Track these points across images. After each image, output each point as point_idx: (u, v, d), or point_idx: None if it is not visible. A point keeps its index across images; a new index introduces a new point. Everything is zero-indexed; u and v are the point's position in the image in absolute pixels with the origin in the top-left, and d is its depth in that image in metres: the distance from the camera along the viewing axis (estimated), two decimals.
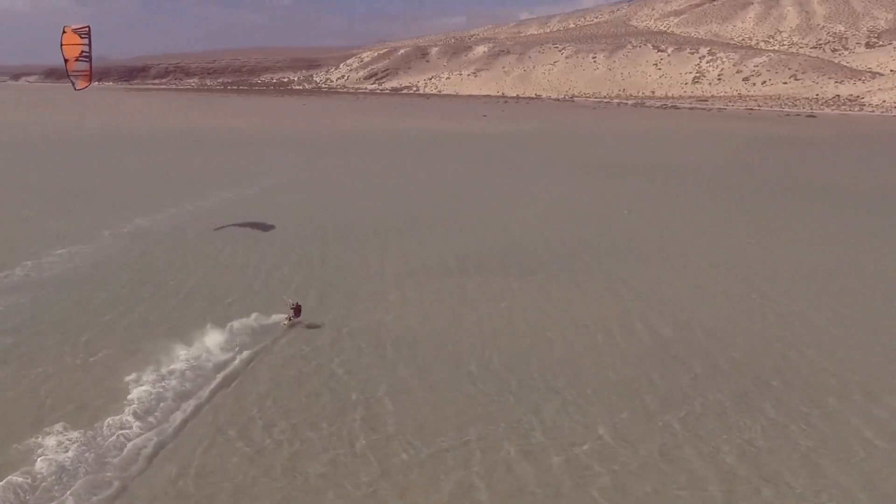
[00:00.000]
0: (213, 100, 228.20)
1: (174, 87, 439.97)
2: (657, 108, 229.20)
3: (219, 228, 30.53)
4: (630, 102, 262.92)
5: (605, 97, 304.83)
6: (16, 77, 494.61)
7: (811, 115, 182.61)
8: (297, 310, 20.82)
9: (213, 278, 25.19)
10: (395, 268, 26.86)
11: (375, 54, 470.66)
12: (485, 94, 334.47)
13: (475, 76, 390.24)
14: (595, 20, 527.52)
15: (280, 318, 20.58)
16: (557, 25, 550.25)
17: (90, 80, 23.58)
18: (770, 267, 28.29)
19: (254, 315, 20.70)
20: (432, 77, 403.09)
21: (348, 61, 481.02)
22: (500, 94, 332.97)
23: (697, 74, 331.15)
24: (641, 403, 15.88)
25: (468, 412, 15.41)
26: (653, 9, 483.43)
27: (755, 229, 35.73)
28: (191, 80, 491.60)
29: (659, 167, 62.34)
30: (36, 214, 35.63)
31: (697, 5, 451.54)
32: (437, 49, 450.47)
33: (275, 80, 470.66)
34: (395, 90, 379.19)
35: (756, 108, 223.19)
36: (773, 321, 21.87)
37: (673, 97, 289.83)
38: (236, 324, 20.05)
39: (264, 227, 30.70)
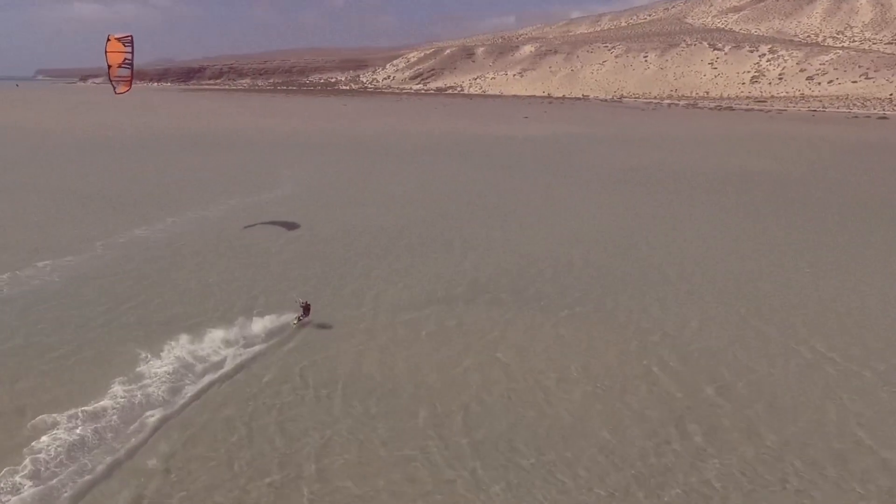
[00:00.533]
0: (257, 100, 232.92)
1: (226, 87, 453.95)
2: (711, 109, 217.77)
3: (249, 226, 31.22)
4: (682, 103, 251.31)
5: (655, 98, 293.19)
6: (84, 79, 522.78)
7: (883, 117, 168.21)
8: (307, 309, 20.78)
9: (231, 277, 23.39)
10: (391, 298, 24.04)
11: (422, 54, 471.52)
12: (530, 94, 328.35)
13: (521, 76, 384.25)
14: (648, 18, 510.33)
15: (291, 317, 20.54)
16: (608, 24, 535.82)
17: (130, 86, 24.87)
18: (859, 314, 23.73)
19: (267, 316, 20.54)
20: (477, 77, 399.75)
21: (395, 62, 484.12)
22: (545, 94, 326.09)
23: (756, 74, 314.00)
24: None
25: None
26: (710, 5, 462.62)
27: (822, 255, 30.91)
28: (243, 81, 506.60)
29: (702, 174, 57.14)
30: (45, 220, 34.93)
31: (759, 0, 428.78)
32: (483, 49, 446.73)
33: (322, 81, 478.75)
34: (439, 90, 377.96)
35: (820, 109, 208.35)
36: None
37: (729, 98, 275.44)
38: (247, 323, 19.97)
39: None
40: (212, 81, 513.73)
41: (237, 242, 30.46)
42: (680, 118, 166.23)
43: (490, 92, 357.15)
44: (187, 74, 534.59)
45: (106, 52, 23.66)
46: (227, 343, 18.75)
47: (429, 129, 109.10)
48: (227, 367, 17.48)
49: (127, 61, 24.51)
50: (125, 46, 24.35)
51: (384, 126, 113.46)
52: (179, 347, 18.17)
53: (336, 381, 16.90)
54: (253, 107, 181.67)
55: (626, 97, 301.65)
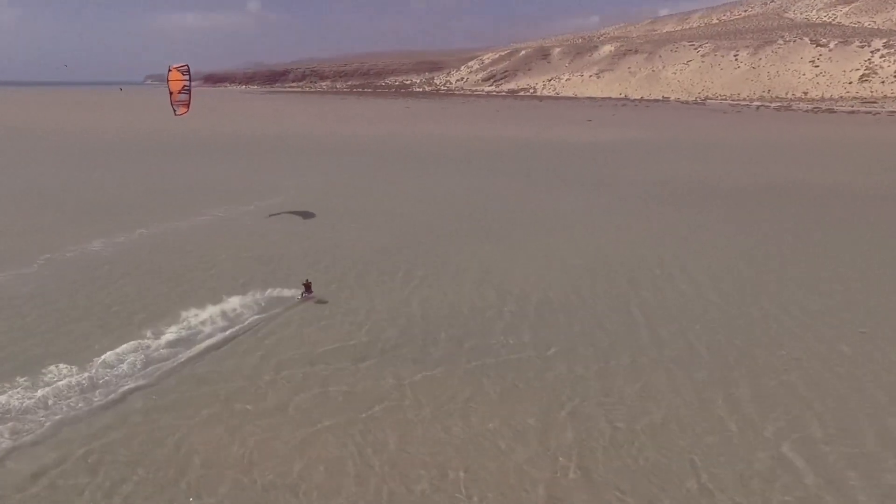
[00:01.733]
0: (327, 102, 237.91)
1: (307, 90, 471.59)
2: (807, 111, 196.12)
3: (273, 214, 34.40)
4: (773, 105, 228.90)
5: (744, 99, 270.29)
6: None
7: None
8: (308, 286, 23.26)
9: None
10: (292, 344, 20.01)
11: (496, 56, 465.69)
12: (605, 96, 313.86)
13: (597, 77, 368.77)
14: (743, 13, 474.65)
15: (296, 293, 23.23)
16: (698, 21, 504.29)
17: (188, 108, 28.56)
18: None
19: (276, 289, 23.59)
20: (551, 78, 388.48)
21: (469, 63, 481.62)
22: (622, 96, 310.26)
23: (867, 71, 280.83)
24: None
25: None
26: None
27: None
28: (323, 83, 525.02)
29: (768, 188, 48.42)
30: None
31: None
32: (559, 50, 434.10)
33: (397, 83, 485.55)
34: (511, 92, 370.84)
35: None
36: None
37: (831, 98, 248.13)
38: (258, 295, 23.04)
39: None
40: (294, 84, 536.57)
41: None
42: (767, 121, 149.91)
43: (563, 94, 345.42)
44: (272, 77, 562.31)
45: (168, 80, 27.70)
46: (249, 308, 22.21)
47: (479, 133, 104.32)
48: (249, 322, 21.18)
49: (185, 87, 28.39)
50: (183, 75, 28.28)
51: (433, 130, 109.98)
52: (210, 311, 21.44)
53: None
54: (316, 109, 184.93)
55: (710, 99, 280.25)
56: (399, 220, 37.39)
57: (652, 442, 14.51)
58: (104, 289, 24.23)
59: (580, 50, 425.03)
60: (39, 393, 15.84)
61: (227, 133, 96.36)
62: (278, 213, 36.10)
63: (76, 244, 30.09)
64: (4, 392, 15.82)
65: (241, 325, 20.93)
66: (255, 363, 18.17)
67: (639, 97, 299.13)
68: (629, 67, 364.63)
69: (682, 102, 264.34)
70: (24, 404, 15.40)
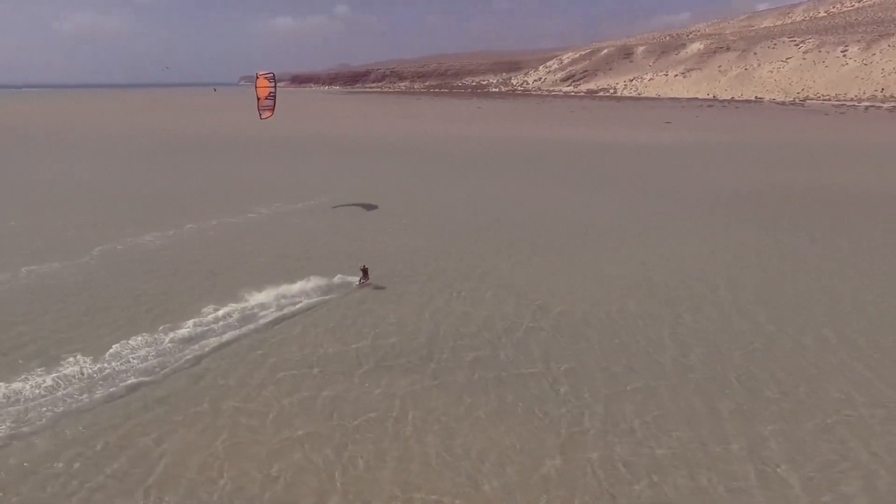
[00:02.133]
0: (402, 102, 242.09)
1: (385, 90, 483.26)
2: None
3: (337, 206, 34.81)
4: (885, 106, 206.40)
5: (851, 99, 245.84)
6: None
7: None
8: (365, 272, 24.82)
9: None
10: (292, 350, 19.98)
11: (576, 55, 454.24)
12: (691, 96, 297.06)
13: (683, 76, 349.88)
14: (856, 4, 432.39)
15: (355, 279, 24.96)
16: (802, 15, 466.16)
17: (273, 113, 30.22)
18: None
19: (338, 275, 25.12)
20: (633, 78, 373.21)
21: (548, 63, 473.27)
22: (710, 96, 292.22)
23: None
24: None
25: None
26: None
27: None
28: (402, 84, 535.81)
29: (875, 200, 43.08)
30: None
31: None
32: (643, 48, 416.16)
33: (474, 83, 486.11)
34: (590, 92, 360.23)
35: None
36: None
37: None
38: (322, 279, 24.54)
39: None
40: (374, 84, 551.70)
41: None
42: (876, 124, 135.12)
43: (646, 94, 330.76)
44: (354, 78, 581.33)
45: (256, 87, 29.59)
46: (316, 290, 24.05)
47: (543, 134, 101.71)
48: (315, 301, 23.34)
49: (271, 94, 29.91)
50: (269, 83, 29.82)
51: (497, 130, 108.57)
52: (280, 290, 23.32)
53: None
54: (387, 109, 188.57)
55: (811, 99, 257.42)
56: (441, 223, 36.80)
57: (651, 489, 12.89)
58: (143, 279, 25.45)
59: (666, 48, 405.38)
60: (49, 380, 16.69)
61: (292, 133, 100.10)
62: (332, 208, 36.60)
63: (130, 237, 32.00)
64: (20, 378, 16.80)
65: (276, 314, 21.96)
66: (255, 362, 18.21)
67: (728, 98, 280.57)
68: (719, 66, 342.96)
69: (778, 103, 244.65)
70: (35, 392, 16.27)
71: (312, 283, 24.21)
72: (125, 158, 67.01)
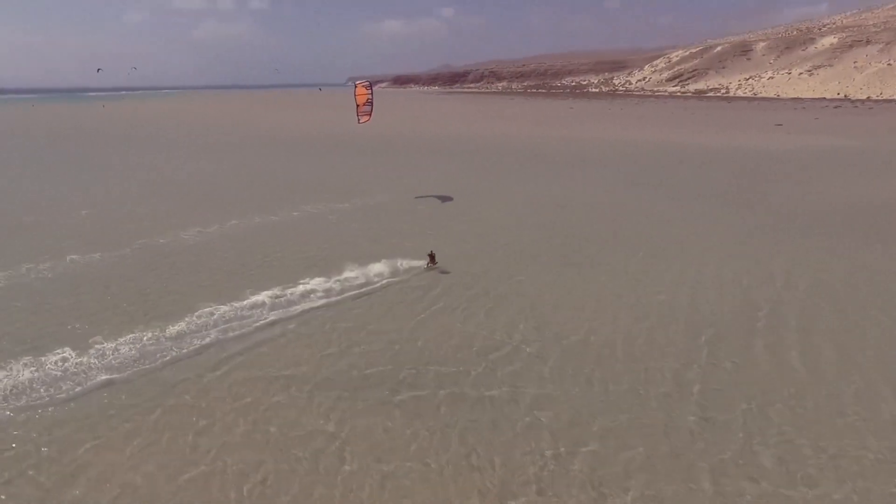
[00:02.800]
0: (493, 102, 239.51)
1: (482, 90, 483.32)
2: None
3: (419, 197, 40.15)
4: None
5: None
6: (373, 84, 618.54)
7: None
8: (433, 257, 26.72)
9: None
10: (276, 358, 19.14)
11: (686, 53, 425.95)
12: (817, 96, 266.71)
13: (810, 74, 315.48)
14: None
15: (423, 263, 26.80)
16: None
17: (370, 117, 34.38)
18: None
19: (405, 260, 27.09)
20: (749, 77, 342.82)
21: (655, 62, 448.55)
22: (840, 96, 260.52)
23: None
24: None
25: None
26: None
27: None
28: (500, 84, 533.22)
29: None
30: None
31: None
32: (764, 45, 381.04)
33: (574, 83, 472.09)
34: (698, 93, 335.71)
35: None
36: None
37: None
38: (396, 262, 26.82)
39: None
40: (472, 85, 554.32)
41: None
42: None
43: (763, 94, 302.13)
44: (453, 79, 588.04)
45: (355, 94, 33.65)
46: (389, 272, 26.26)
47: (628, 135, 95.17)
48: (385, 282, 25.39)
49: (369, 100, 33.83)
50: (367, 90, 34.04)
51: (580, 131, 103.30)
52: (355, 271, 25.88)
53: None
54: (475, 109, 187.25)
55: None
56: (490, 229, 34.84)
57: None
58: (167, 275, 26.09)
59: (791, 43, 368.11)
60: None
61: (374, 132, 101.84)
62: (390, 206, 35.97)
63: (172, 232, 33.30)
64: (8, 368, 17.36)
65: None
66: (217, 375, 17.54)
67: (863, 97, 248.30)
68: (854, 62, 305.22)
69: None
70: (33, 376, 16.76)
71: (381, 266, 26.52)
72: (213, 152, 71.49)
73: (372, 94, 34.61)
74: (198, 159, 66.66)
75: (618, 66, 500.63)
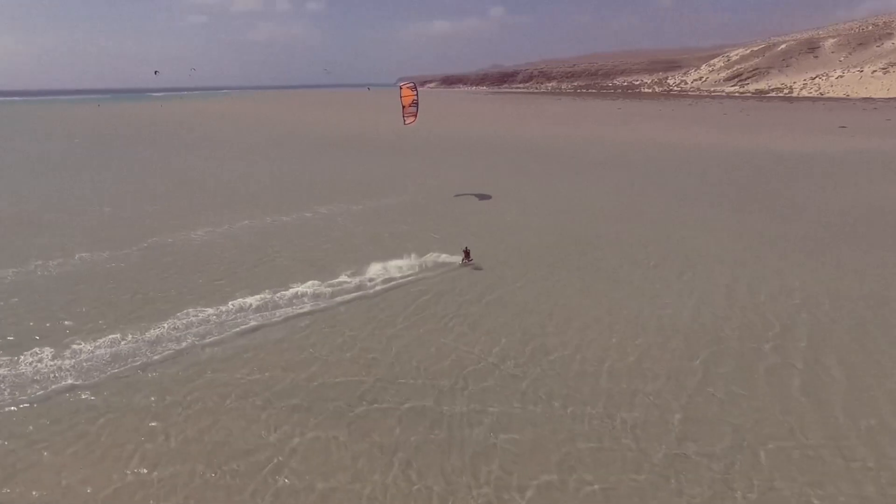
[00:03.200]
0: (538, 102, 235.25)
1: (531, 90, 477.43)
2: None
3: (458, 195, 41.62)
4: None
5: None
6: (421, 84, 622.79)
7: None
8: (467, 253, 27.27)
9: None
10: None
11: (746, 52, 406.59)
12: (892, 96, 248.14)
13: (885, 72, 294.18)
14: None
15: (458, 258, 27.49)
16: None
17: (415, 118, 33.91)
18: None
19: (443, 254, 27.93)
20: (816, 76, 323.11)
21: (712, 61, 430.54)
22: None
23: None
24: None
25: None
26: None
27: None
28: (549, 84, 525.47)
29: None
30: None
31: None
32: (833, 41, 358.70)
33: (625, 83, 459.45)
34: (758, 93, 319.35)
35: None
36: None
37: None
38: (432, 256, 27.80)
39: None
40: (521, 85, 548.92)
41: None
42: None
43: (830, 94, 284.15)
44: (501, 79, 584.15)
45: (400, 96, 33.31)
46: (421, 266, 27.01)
47: (672, 138, 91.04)
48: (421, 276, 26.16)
49: (414, 102, 33.57)
50: (412, 91, 33.68)
51: (622, 133, 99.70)
52: (350, 275, 25.81)
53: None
54: (519, 109, 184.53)
55: None
56: (497, 230, 33.77)
57: None
58: (165, 275, 26.43)
59: (864, 40, 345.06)
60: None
61: (410, 132, 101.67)
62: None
63: (182, 231, 33.88)
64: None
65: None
66: (179, 381, 17.32)
67: None
68: None
69: None
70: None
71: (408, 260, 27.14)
72: (252, 152, 73.19)
73: (417, 95, 34.09)
74: (235, 160, 68.25)
75: (672, 65, 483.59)
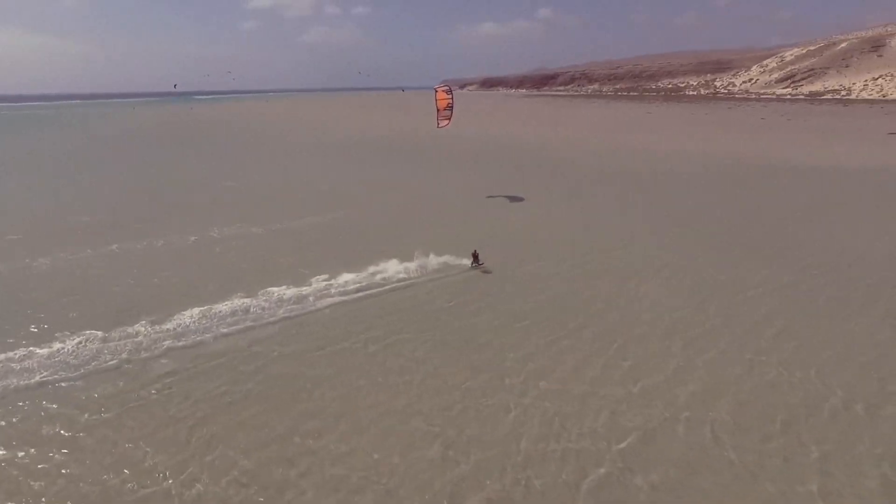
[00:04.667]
0: (570, 105, 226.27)
1: (571, 93, 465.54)
2: None
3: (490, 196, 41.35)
4: None
5: None
6: (461, 86, 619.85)
7: None
8: (476, 256, 27.00)
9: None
10: None
11: (802, 52, 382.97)
12: None
13: None
14: None
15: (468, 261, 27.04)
16: None
17: (450, 121, 34.06)
18: None
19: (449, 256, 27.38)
20: (879, 76, 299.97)
21: (765, 62, 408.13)
22: None
23: None
24: None
25: None
26: None
27: None
28: (590, 87, 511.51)
29: None
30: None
31: None
32: None
33: (669, 86, 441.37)
34: (812, 95, 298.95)
35: None
36: None
37: None
38: (441, 257, 27.25)
39: None
40: (561, 87, 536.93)
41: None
42: None
43: (893, 96, 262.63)
44: (542, 81, 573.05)
45: (435, 100, 33.49)
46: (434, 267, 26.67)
47: (693, 146, 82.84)
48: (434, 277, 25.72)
49: (449, 105, 33.79)
50: (447, 94, 33.73)
51: (639, 141, 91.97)
52: (399, 265, 26.24)
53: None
54: (543, 112, 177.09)
55: None
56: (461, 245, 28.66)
57: None
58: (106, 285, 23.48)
59: None
60: None
61: (423, 134, 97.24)
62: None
63: (152, 238, 32.75)
64: None
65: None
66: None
67: None
68: None
69: None
70: None
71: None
72: (270, 157, 70.50)
73: (452, 98, 34.22)
74: (248, 165, 65.64)
75: (722, 66, 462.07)
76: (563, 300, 23.44)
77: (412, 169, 61.18)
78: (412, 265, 26.13)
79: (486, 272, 26.48)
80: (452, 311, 22.01)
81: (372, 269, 25.60)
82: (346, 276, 24.61)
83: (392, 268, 25.77)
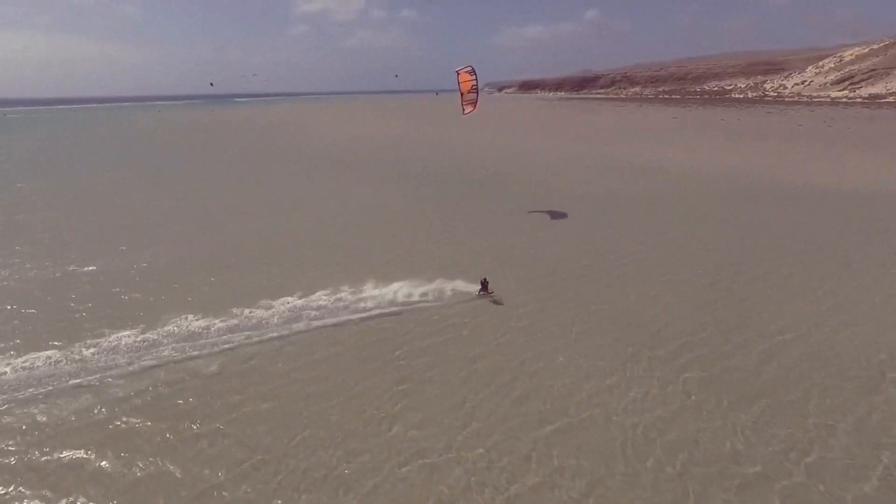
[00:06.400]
0: (600, 109, 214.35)
1: (611, 96, 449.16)
2: None
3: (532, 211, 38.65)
4: None
5: None
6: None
7: None
8: (484, 284, 25.55)
9: None
10: None
11: (865, 50, 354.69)
12: None
13: None
14: None
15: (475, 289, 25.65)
16: None
17: (475, 106, 30.44)
18: None
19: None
20: None
21: (821, 62, 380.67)
22: None
23: None
24: None
25: None
26: None
27: None
28: (632, 90, 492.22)
29: None
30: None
31: None
32: None
33: (715, 88, 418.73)
34: (871, 98, 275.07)
35: None
36: None
37: None
38: (444, 284, 26.21)
39: None
40: (601, 90, 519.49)
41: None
42: None
43: None
44: (581, 83, 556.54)
45: (458, 82, 30.10)
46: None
47: (685, 158, 72.88)
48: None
49: (474, 87, 30.33)
50: (471, 76, 30.20)
51: (649, 153, 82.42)
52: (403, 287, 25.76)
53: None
54: (567, 118, 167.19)
55: None
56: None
57: None
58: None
59: None
60: None
61: (411, 143, 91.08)
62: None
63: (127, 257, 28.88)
64: None
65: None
66: None
67: None
68: None
69: None
70: None
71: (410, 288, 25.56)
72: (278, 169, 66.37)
73: (477, 79, 30.89)
74: (259, 178, 61.53)
75: (774, 67, 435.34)
76: None
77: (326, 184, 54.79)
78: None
79: (496, 302, 24.57)
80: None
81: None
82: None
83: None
